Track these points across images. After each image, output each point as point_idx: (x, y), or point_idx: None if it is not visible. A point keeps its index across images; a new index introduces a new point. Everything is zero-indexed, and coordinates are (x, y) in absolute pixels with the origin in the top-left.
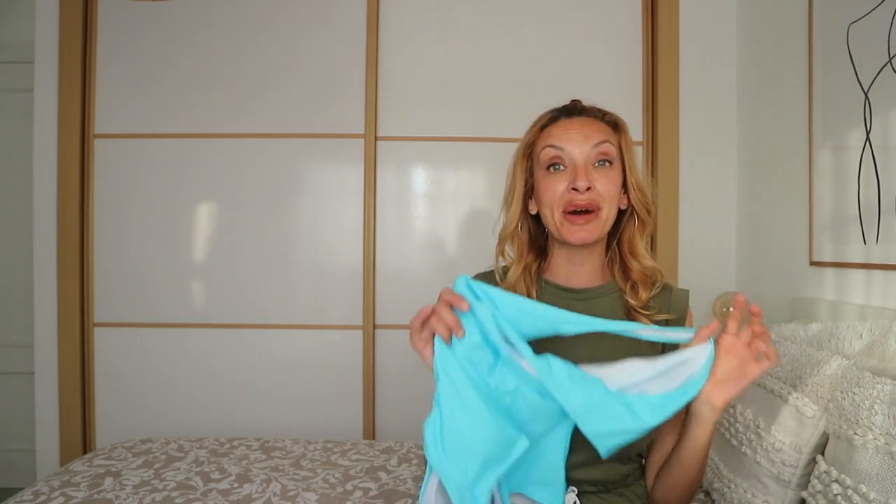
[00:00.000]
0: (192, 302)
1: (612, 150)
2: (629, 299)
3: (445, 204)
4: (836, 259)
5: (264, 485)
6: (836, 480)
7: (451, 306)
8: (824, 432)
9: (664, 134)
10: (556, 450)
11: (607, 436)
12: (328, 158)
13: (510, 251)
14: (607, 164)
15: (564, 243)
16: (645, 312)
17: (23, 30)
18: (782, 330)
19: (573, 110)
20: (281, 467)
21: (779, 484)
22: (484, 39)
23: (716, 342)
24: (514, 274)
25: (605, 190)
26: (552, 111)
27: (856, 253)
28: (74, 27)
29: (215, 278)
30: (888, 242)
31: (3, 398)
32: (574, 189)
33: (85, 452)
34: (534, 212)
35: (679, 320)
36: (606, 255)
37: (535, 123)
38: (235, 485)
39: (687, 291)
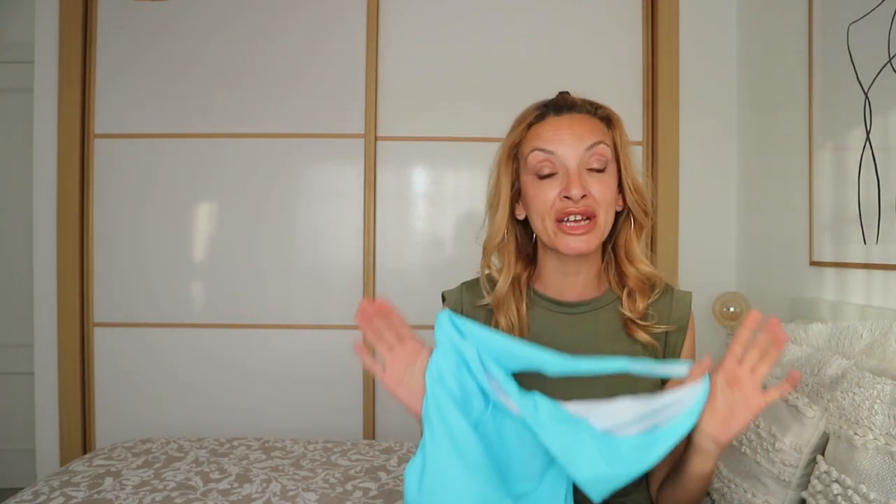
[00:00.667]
0: (191, 302)
1: (607, 151)
2: (625, 311)
3: (445, 204)
4: (837, 259)
5: (264, 485)
6: (837, 480)
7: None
8: (824, 432)
9: (664, 134)
10: (556, 494)
11: (596, 481)
12: (328, 158)
13: (496, 260)
14: (602, 167)
15: (557, 252)
16: (643, 323)
17: (23, 30)
18: None
19: (562, 105)
20: (281, 467)
21: (779, 484)
22: (484, 40)
23: (715, 371)
24: (502, 287)
25: (601, 195)
26: (538, 106)
27: (856, 253)
28: (74, 27)
29: (215, 278)
30: (888, 242)
31: (3, 398)
32: (567, 197)
33: (85, 452)
34: (521, 217)
35: (680, 330)
36: (602, 261)
37: (520, 121)
38: (235, 485)
39: (690, 294)
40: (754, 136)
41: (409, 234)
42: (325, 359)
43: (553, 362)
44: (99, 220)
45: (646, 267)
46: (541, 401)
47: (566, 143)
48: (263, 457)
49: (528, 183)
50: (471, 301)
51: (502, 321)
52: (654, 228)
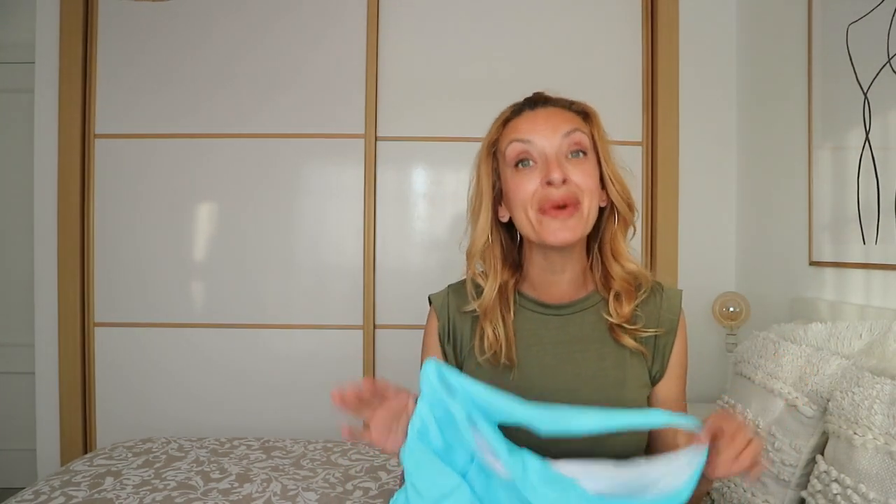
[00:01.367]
0: (192, 302)
1: (584, 139)
2: (608, 316)
3: (445, 204)
4: (836, 259)
5: (264, 484)
6: (836, 480)
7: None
8: (824, 432)
9: (663, 134)
10: None
11: None
12: (328, 158)
13: (479, 265)
14: (581, 154)
15: (542, 247)
16: (629, 328)
17: (23, 30)
18: (782, 330)
19: (537, 101)
20: (281, 467)
21: (778, 483)
22: (483, 40)
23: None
24: (489, 295)
25: (583, 181)
26: (514, 104)
27: (855, 253)
28: (74, 27)
29: (215, 278)
30: (888, 242)
31: (3, 398)
32: (549, 183)
33: (85, 452)
34: (505, 219)
35: (669, 333)
36: (588, 260)
37: (497, 119)
38: (236, 484)
39: (680, 292)
40: (754, 137)
41: (408, 234)
42: (326, 359)
43: (547, 420)
44: (99, 220)
45: (631, 265)
46: (530, 460)
47: (542, 133)
48: (264, 456)
49: (509, 176)
50: (457, 305)
51: (489, 330)
52: (653, 229)
